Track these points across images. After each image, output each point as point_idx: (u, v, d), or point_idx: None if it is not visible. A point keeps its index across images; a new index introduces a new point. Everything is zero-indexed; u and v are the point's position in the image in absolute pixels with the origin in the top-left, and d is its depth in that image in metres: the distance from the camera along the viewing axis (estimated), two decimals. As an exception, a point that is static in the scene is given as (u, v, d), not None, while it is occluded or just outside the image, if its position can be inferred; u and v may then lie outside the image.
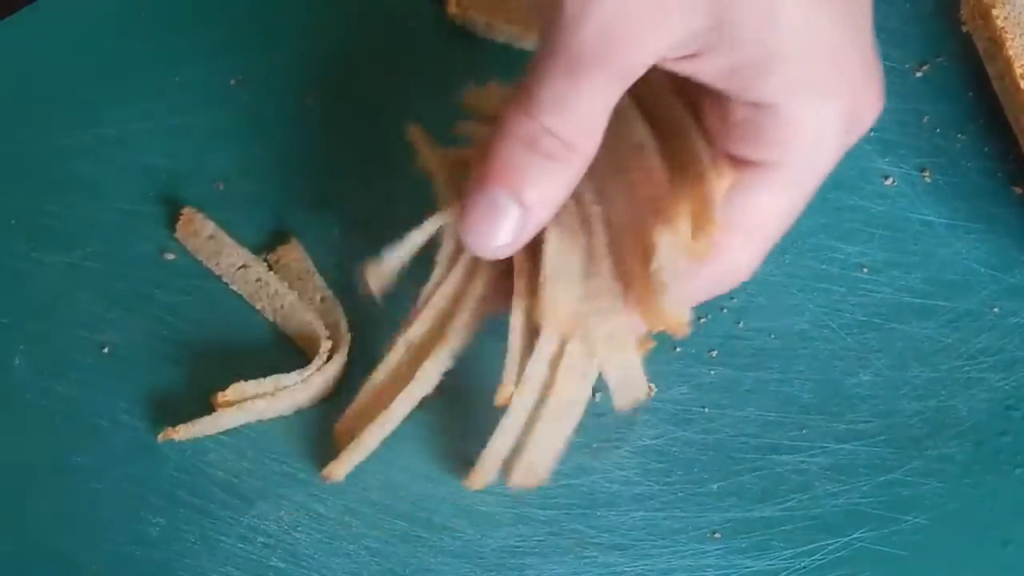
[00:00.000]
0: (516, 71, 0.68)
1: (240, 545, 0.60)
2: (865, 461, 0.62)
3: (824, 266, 0.66)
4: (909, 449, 0.63)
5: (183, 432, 0.61)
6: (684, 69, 0.50)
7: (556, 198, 0.52)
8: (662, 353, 0.63)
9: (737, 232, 0.53)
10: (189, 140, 0.68)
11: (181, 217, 0.66)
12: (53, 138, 0.67)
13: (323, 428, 0.62)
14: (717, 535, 0.61)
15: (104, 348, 0.63)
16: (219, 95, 0.69)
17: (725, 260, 0.54)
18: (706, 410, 0.63)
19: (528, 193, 0.51)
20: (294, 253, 0.65)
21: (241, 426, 0.62)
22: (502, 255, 0.53)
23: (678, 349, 0.64)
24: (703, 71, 0.50)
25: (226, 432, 0.62)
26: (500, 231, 0.52)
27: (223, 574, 0.60)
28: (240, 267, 0.65)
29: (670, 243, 0.52)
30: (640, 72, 0.49)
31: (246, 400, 0.61)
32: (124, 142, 0.67)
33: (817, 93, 0.50)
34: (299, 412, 0.63)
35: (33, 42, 0.70)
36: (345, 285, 0.64)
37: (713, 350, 0.64)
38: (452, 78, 0.69)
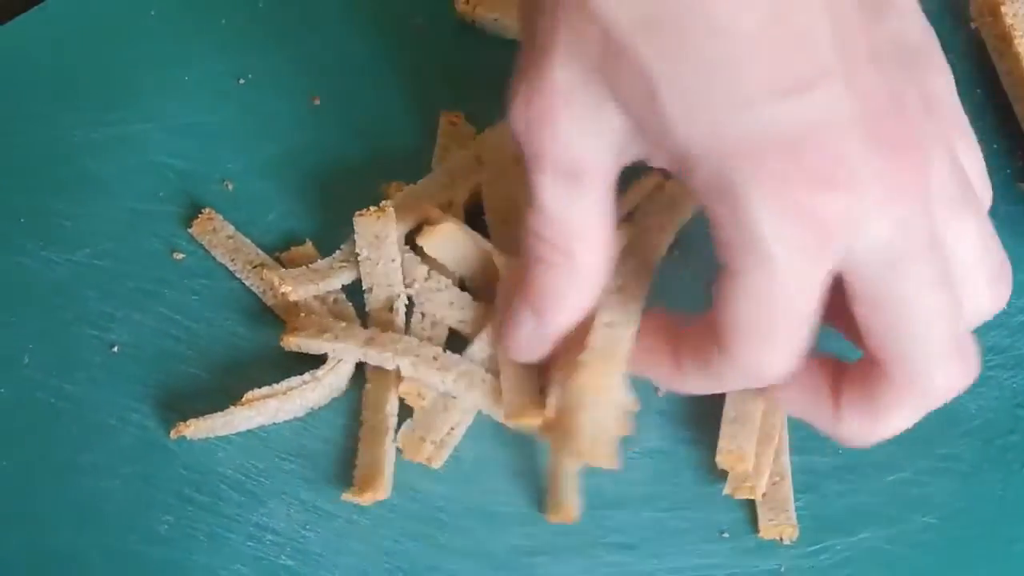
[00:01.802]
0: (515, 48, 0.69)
1: (249, 543, 0.60)
2: (873, 460, 0.62)
3: (832, 264, 0.66)
4: (917, 448, 0.63)
5: (195, 428, 0.61)
6: (655, 165, 0.50)
7: (564, 306, 0.53)
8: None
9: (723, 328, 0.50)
10: (198, 139, 0.68)
11: (200, 216, 0.66)
12: (62, 137, 0.67)
13: (334, 426, 0.63)
14: (725, 535, 0.61)
15: (113, 347, 0.64)
16: (227, 94, 0.69)
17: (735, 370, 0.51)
18: (714, 411, 0.63)
19: (535, 300, 0.53)
20: (307, 253, 0.65)
21: (251, 425, 0.62)
22: (529, 358, 0.56)
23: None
24: (666, 167, 0.50)
25: (236, 431, 0.62)
26: (520, 336, 0.55)
27: (232, 572, 0.60)
28: (256, 266, 0.65)
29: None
30: (588, 168, 0.50)
31: (258, 400, 0.61)
32: (133, 141, 0.67)
33: (729, 195, 0.46)
34: (311, 411, 0.63)
35: (42, 41, 0.70)
36: (355, 285, 0.64)
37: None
38: (461, 76, 0.69)
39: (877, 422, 0.53)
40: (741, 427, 0.61)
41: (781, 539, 0.61)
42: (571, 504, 0.60)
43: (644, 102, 0.46)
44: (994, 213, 0.66)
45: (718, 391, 0.56)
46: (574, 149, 0.49)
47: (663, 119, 0.46)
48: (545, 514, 0.61)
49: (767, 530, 0.61)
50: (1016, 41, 0.65)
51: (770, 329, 0.48)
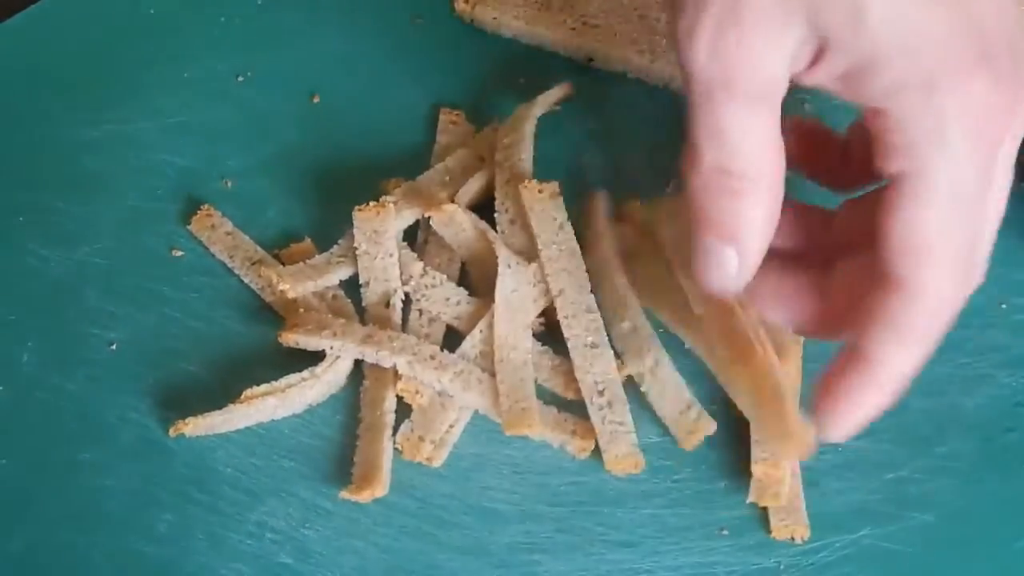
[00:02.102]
0: (523, 66, 0.69)
1: (248, 542, 0.60)
2: (872, 458, 0.63)
3: (833, 262, 0.66)
4: (917, 446, 0.63)
5: (194, 426, 0.61)
6: (810, 80, 0.50)
7: (760, 228, 0.52)
8: (671, 350, 0.63)
9: (906, 256, 0.50)
10: (197, 137, 0.68)
11: (199, 212, 0.66)
12: (61, 135, 0.67)
13: (333, 423, 0.63)
14: (725, 532, 0.61)
15: (112, 345, 0.64)
16: (227, 92, 0.69)
17: (918, 298, 0.50)
18: (714, 408, 0.63)
19: (732, 233, 0.52)
20: (305, 250, 0.65)
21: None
22: (736, 289, 0.54)
23: (687, 346, 0.63)
24: (823, 80, 0.49)
25: (235, 429, 0.62)
26: (724, 272, 0.53)
27: (231, 570, 0.60)
28: (255, 262, 0.65)
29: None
30: (772, 88, 0.49)
31: (257, 398, 0.61)
32: (132, 139, 0.68)
33: (922, 88, 0.47)
34: (309, 408, 0.63)
35: (42, 40, 0.70)
36: (353, 281, 0.64)
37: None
38: (461, 74, 0.69)
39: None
40: None
41: (793, 539, 0.61)
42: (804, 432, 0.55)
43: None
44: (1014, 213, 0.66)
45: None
46: (768, 68, 0.49)
47: (861, 15, 0.47)
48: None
49: (779, 531, 0.61)
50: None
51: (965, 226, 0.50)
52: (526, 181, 0.64)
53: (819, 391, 0.53)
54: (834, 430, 0.53)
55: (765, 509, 0.62)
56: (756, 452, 0.61)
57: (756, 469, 0.61)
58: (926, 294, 0.50)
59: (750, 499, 0.61)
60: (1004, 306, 0.65)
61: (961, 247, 0.50)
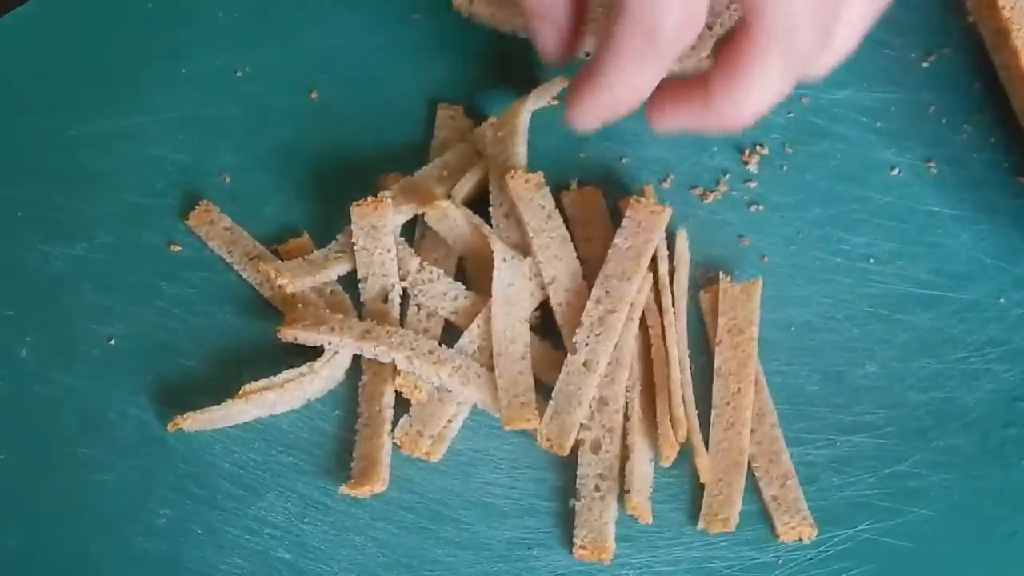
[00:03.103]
0: (521, 61, 0.69)
1: (247, 536, 0.60)
2: (871, 453, 0.63)
3: (830, 257, 0.66)
4: (915, 441, 0.63)
5: (192, 421, 0.61)
6: None
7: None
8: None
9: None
10: (195, 132, 0.68)
11: (198, 207, 0.66)
12: (60, 130, 0.67)
13: (331, 419, 0.63)
14: (723, 527, 0.62)
15: (110, 340, 0.64)
16: (225, 87, 0.69)
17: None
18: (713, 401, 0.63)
19: (541, 12, 0.58)
20: (303, 246, 0.65)
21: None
22: (561, 55, 0.60)
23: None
24: None
25: (233, 424, 0.62)
26: (546, 42, 0.60)
27: (230, 565, 0.60)
28: (253, 258, 0.65)
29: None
30: None
31: (255, 393, 0.61)
32: (131, 134, 0.67)
33: None
34: (308, 403, 0.63)
35: (41, 35, 0.70)
36: (352, 276, 0.64)
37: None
38: (459, 69, 0.69)
39: (744, 86, 0.54)
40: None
41: (801, 539, 0.61)
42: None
43: None
44: (994, 208, 0.67)
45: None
46: None
47: None
48: None
49: (786, 533, 0.61)
50: (1013, 35, 0.65)
51: None
52: (512, 172, 0.64)
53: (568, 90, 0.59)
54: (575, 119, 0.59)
55: (764, 505, 0.62)
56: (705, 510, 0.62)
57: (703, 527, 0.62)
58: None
59: (700, 526, 0.61)
60: (1002, 300, 0.65)
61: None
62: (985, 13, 0.68)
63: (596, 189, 0.66)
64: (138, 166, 0.67)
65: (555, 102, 0.68)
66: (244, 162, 0.67)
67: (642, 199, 0.64)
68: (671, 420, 0.61)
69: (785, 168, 0.68)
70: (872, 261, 0.66)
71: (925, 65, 0.70)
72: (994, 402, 0.64)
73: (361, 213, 0.63)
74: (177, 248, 0.65)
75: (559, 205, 0.65)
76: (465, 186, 0.65)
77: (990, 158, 0.68)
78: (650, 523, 0.61)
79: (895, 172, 0.67)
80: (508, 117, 0.66)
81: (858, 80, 0.69)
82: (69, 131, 0.67)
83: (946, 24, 0.70)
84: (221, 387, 0.62)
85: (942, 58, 0.70)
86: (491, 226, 0.64)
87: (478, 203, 0.65)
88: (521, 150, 0.66)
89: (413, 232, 0.66)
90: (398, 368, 0.62)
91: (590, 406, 0.62)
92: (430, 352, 0.62)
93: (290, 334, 0.62)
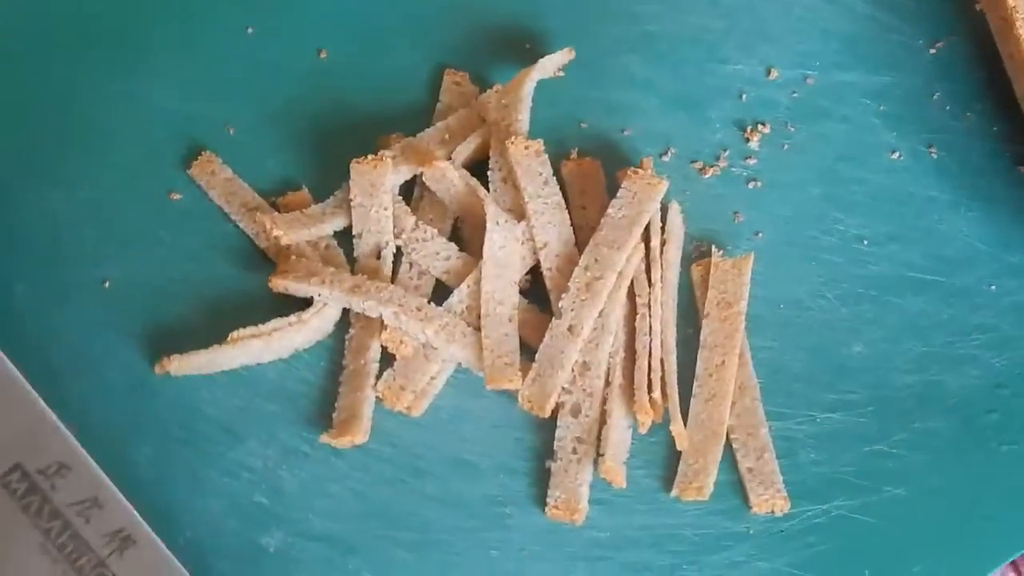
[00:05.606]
0: (529, 32, 0.69)
1: (226, 479, 0.61)
2: (850, 431, 0.63)
3: (825, 236, 0.66)
4: (896, 422, 0.63)
5: (179, 364, 0.62)
6: None
7: None
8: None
9: None
10: (203, 86, 0.68)
11: (200, 157, 0.67)
12: (68, 78, 0.68)
13: (317, 370, 0.63)
14: (697, 495, 0.62)
15: (105, 283, 0.64)
16: (235, 44, 0.69)
17: None
18: (687, 375, 0.64)
19: None
20: (301, 199, 0.66)
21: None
22: None
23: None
24: None
25: (220, 371, 0.63)
26: None
27: (207, 506, 0.61)
28: (251, 209, 0.66)
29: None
30: None
31: (243, 340, 0.62)
32: (139, 86, 0.68)
33: None
34: (295, 353, 0.64)
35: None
36: (347, 233, 0.65)
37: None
38: (468, 36, 0.70)
39: None
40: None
41: (773, 512, 0.61)
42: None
43: None
44: (992, 196, 0.66)
45: None
46: None
47: None
48: None
49: (759, 504, 0.61)
50: (1017, 24, 0.65)
51: None
52: (513, 137, 0.64)
53: None
54: None
55: (740, 476, 0.62)
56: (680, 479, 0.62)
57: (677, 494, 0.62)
58: None
59: (673, 493, 0.62)
60: (994, 288, 0.65)
61: None
62: (991, 2, 0.67)
63: (595, 160, 0.67)
64: (145, 116, 0.68)
65: (560, 74, 0.69)
66: (250, 116, 0.68)
67: (639, 170, 0.64)
68: (648, 389, 0.61)
69: (786, 147, 0.68)
70: (866, 243, 0.66)
71: (932, 52, 0.69)
72: (978, 388, 0.64)
73: (361, 170, 0.64)
74: (177, 197, 0.66)
75: (557, 174, 0.65)
76: (466, 150, 0.66)
77: (991, 146, 0.68)
78: (624, 488, 0.61)
79: (896, 156, 0.67)
80: (513, 85, 0.67)
81: (864, 63, 0.69)
82: (79, 81, 0.68)
83: (955, 12, 0.70)
84: (211, 334, 0.62)
85: (950, 45, 0.70)
86: (488, 190, 0.65)
87: (477, 169, 0.66)
88: (523, 117, 0.66)
89: (411, 194, 0.66)
90: (385, 323, 0.62)
91: (572, 370, 0.62)
92: (418, 309, 0.62)
93: (281, 284, 0.63)
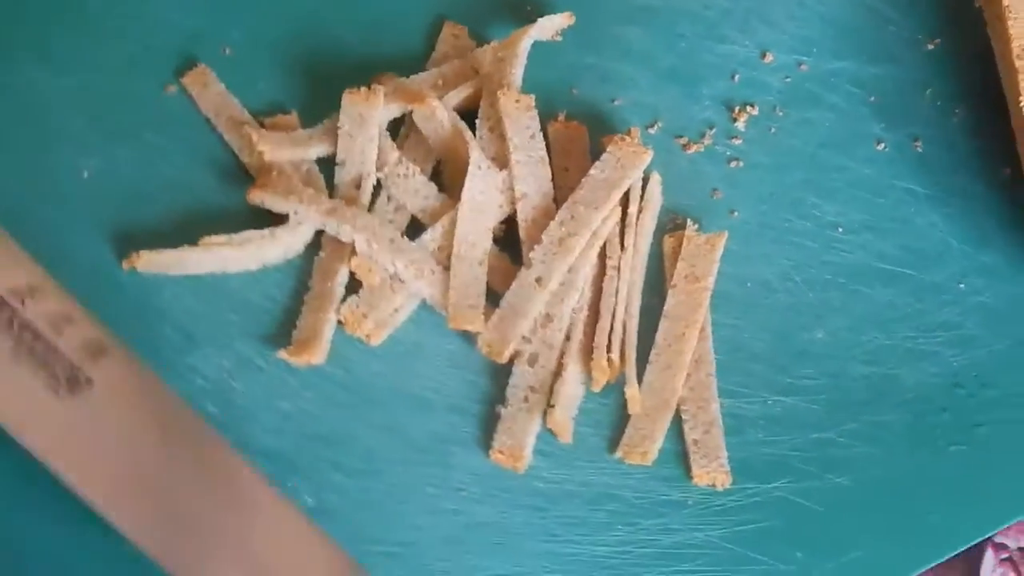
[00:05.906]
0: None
1: (177, 383, 0.62)
2: (801, 416, 0.63)
3: (800, 221, 0.66)
4: (847, 411, 0.63)
5: (146, 260, 0.62)
6: None
7: None
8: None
9: None
10: (208, 4, 0.68)
11: (195, 69, 0.67)
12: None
13: (283, 287, 0.64)
14: (642, 458, 0.62)
15: (85, 173, 0.65)
16: (242, -36, 0.70)
17: None
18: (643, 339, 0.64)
19: None
20: (289, 122, 0.66)
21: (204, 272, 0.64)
22: None
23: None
24: None
25: (187, 275, 0.63)
26: None
27: (157, 408, 0.61)
28: (238, 123, 0.66)
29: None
30: None
31: (214, 245, 0.62)
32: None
33: None
34: (263, 268, 0.64)
35: None
36: (329, 163, 0.65)
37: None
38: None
39: None
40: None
41: (714, 485, 0.62)
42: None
43: None
44: (972, 193, 0.67)
45: None
46: None
47: None
48: None
49: (700, 476, 0.62)
50: (1009, 23, 0.65)
51: None
52: (505, 89, 0.64)
53: None
54: None
55: (685, 447, 0.62)
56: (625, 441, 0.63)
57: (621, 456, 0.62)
58: None
59: (617, 454, 0.62)
60: (962, 286, 0.65)
61: None
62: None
63: (583, 125, 0.67)
64: (146, 24, 0.68)
65: (558, 38, 0.69)
66: (248, 40, 0.68)
67: (627, 137, 0.65)
68: (608, 349, 0.62)
69: (773, 130, 0.68)
70: (840, 230, 0.66)
71: (930, 47, 0.69)
72: (934, 385, 0.64)
73: (352, 100, 0.64)
74: (167, 99, 0.66)
75: (544, 134, 0.66)
76: (456, 97, 0.66)
77: (977, 144, 0.68)
78: (569, 442, 0.61)
79: (880, 147, 0.68)
80: (510, 42, 0.67)
81: (860, 53, 0.69)
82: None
83: (956, 9, 0.70)
84: (182, 241, 0.63)
85: (947, 42, 0.70)
86: (475, 136, 0.65)
87: (466, 119, 0.66)
88: (517, 72, 0.67)
89: (398, 133, 0.67)
90: (356, 250, 0.63)
91: (535, 320, 0.63)
92: (391, 240, 0.62)
93: (260, 196, 0.63)
